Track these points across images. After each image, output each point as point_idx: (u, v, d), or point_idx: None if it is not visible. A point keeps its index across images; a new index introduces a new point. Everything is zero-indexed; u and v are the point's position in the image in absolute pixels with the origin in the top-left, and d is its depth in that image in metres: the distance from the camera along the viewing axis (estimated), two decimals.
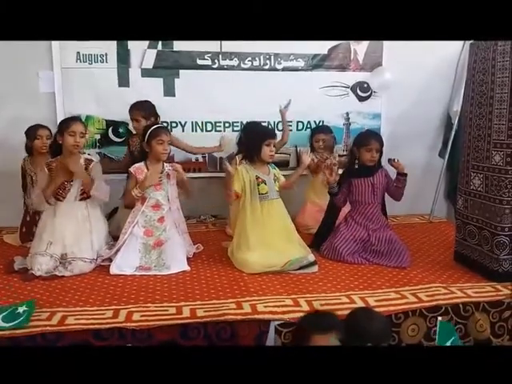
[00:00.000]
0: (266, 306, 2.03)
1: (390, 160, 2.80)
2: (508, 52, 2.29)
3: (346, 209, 2.92)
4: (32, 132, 3.08)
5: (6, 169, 3.33)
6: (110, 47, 3.48)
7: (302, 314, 1.92)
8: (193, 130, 3.71)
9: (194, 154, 3.61)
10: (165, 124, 3.56)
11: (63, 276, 2.42)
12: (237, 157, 3.35)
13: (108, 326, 1.86)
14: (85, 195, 2.66)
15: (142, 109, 3.10)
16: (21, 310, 1.93)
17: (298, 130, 3.85)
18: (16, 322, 1.85)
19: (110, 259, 2.59)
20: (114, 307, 2.05)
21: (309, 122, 3.86)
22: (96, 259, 2.58)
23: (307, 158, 2.82)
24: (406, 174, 2.78)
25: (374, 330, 1.55)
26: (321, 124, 3.79)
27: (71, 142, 2.59)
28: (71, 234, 2.57)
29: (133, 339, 1.81)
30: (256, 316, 1.95)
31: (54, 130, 3.21)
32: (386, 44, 3.82)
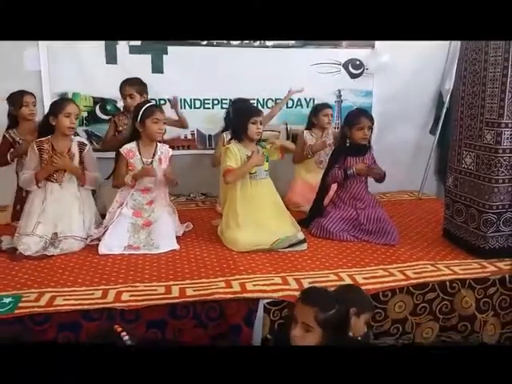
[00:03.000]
0: (255, 285, 2.04)
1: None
2: None
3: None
4: (17, 98, 2.93)
5: None
6: None
7: (290, 293, 1.96)
8: (181, 107, 3.62)
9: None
10: (153, 101, 3.52)
11: (52, 255, 2.40)
12: (224, 133, 3.33)
13: (97, 306, 1.86)
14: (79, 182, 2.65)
15: (136, 84, 3.05)
16: (6, 300, 1.89)
17: (288, 107, 3.82)
18: (1, 310, 1.83)
19: (98, 239, 2.57)
20: (102, 287, 2.04)
21: (299, 100, 3.83)
22: (86, 238, 2.57)
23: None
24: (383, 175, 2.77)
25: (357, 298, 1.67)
26: (313, 102, 3.76)
27: (67, 123, 2.54)
28: (62, 213, 2.55)
29: (121, 319, 1.81)
30: (245, 295, 1.96)
31: (39, 108, 3.18)
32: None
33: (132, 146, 2.63)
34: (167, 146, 2.78)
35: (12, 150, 2.96)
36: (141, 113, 2.57)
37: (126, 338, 1.40)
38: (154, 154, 2.65)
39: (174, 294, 1.97)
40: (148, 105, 2.62)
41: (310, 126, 3.48)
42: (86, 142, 2.81)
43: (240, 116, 2.73)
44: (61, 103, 2.62)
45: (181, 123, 3.32)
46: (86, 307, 1.85)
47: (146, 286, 2.05)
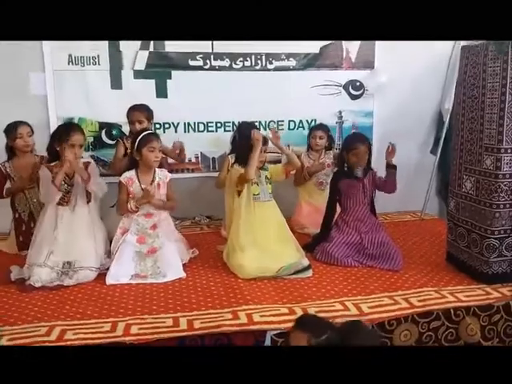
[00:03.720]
0: (261, 316, 2.07)
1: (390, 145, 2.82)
2: (499, 57, 2.31)
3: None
4: (12, 130, 2.95)
5: None
6: (102, 49, 3.45)
7: None
8: (185, 131, 3.71)
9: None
10: (158, 125, 3.58)
11: (62, 286, 2.43)
12: (229, 156, 3.37)
13: (107, 340, 1.89)
14: (87, 199, 2.67)
15: (145, 110, 3.12)
16: None
17: (289, 129, 3.87)
18: None
19: (106, 267, 2.60)
20: (111, 319, 2.07)
21: (301, 121, 3.87)
22: (99, 268, 2.59)
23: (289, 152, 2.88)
24: (394, 167, 2.79)
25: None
26: (315, 123, 3.81)
27: (70, 156, 2.54)
28: (74, 241, 2.57)
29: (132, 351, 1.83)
30: (252, 327, 1.98)
31: (45, 133, 3.22)
32: (378, 42, 3.82)
33: (131, 173, 2.68)
34: (166, 170, 2.82)
35: (7, 185, 2.97)
36: (137, 142, 2.62)
37: None
38: (152, 180, 2.69)
39: (182, 327, 1.99)
40: (144, 134, 2.66)
41: (308, 147, 3.53)
42: (90, 159, 2.85)
43: (246, 142, 2.77)
44: (65, 132, 2.62)
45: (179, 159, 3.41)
46: (96, 341, 1.88)
47: (154, 319, 2.08)
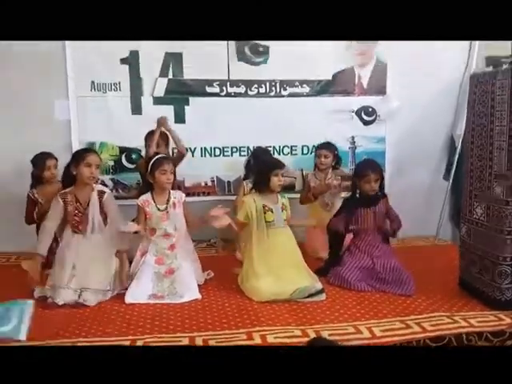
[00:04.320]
0: (275, 337, 2.12)
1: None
2: (507, 86, 2.37)
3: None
4: (40, 161, 3.14)
5: (22, 194, 3.44)
6: (123, 76, 3.61)
7: None
8: (202, 155, 3.84)
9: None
10: (175, 150, 3.70)
11: (83, 304, 2.51)
12: (244, 182, 3.46)
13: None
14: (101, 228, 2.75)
15: (163, 135, 3.23)
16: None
17: (303, 154, 3.97)
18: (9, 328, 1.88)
19: (125, 287, 2.68)
20: (130, 337, 2.15)
21: (314, 147, 3.95)
22: (113, 290, 2.66)
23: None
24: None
25: None
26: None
27: (87, 173, 2.68)
28: (88, 267, 2.65)
29: None
30: None
31: (68, 157, 3.37)
32: (390, 68, 3.93)
33: (147, 196, 2.79)
34: (180, 191, 2.94)
35: (36, 209, 3.12)
36: (150, 166, 2.74)
37: None
38: (167, 201, 2.79)
39: (197, 346, 2.05)
40: (156, 157, 2.79)
41: (314, 167, 3.58)
42: (106, 189, 2.90)
43: (263, 168, 2.86)
44: (82, 153, 2.75)
45: (179, 152, 3.39)
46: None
47: (171, 337, 2.14)
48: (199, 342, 2.09)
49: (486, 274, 2.53)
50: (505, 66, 2.42)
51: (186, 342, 2.10)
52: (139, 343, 2.08)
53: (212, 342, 2.07)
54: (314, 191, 3.40)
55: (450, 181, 3.89)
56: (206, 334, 2.18)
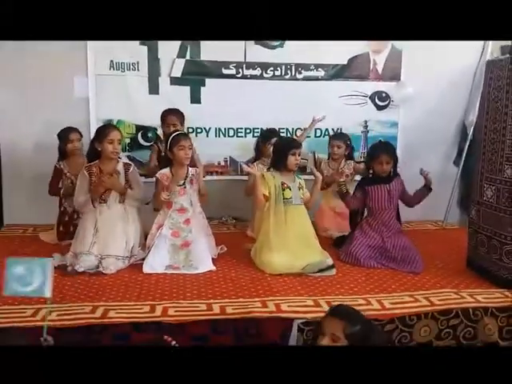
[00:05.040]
0: (289, 306, 2.21)
1: (422, 170, 2.95)
2: None
3: None
4: (64, 135, 3.28)
5: (41, 169, 3.54)
6: (141, 56, 3.68)
7: (322, 314, 2.11)
8: (216, 136, 3.91)
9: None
10: (191, 129, 3.77)
11: (101, 272, 2.61)
12: (254, 163, 3.52)
13: (147, 319, 2.05)
14: (120, 199, 2.87)
15: (179, 114, 3.30)
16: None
17: (316, 136, 4.02)
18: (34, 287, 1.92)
19: (142, 259, 2.78)
20: (149, 303, 2.24)
21: (327, 130, 4.02)
22: (130, 257, 2.78)
23: (319, 175, 2.98)
24: (431, 189, 2.95)
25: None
26: (339, 131, 3.95)
27: (110, 149, 2.79)
28: (109, 234, 2.77)
29: (168, 333, 1.98)
30: (281, 314, 2.12)
31: (85, 133, 3.46)
32: (405, 55, 3.96)
33: (166, 170, 2.87)
34: (196, 168, 3.01)
35: (61, 182, 3.27)
36: (169, 142, 2.82)
37: (176, 345, 1.60)
38: (186, 177, 2.87)
39: (215, 311, 2.14)
40: (174, 134, 2.86)
41: (328, 156, 3.65)
42: (131, 162, 3.03)
43: (281, 147, 2.92)
44: (104, 130, 2.86)
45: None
46: (136, 320, 2.04)
47: (189, 303, 2.24)
48: (216, 308, 2.18)
49: (493, 253, 2.60)
50: None
51: (203, 308, 2.19)
52: (158, 309, 2.17)
53: (229, 309, 2.16)
54: (327, 179, 3.48)
55: (460, 167, 3.94)
56: (222, 301, 2.27)
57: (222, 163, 3.96)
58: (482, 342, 2.26)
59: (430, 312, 2.21)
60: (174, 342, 1.63)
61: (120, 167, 2.89)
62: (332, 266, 2.72)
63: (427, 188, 2.96)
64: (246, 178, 3.72)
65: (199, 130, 3.85)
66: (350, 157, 3.65)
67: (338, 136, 3.67)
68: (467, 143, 3.89)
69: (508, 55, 2.61)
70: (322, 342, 1.61)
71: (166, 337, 1.67)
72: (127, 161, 3.03)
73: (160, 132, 3.60)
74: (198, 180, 2.92)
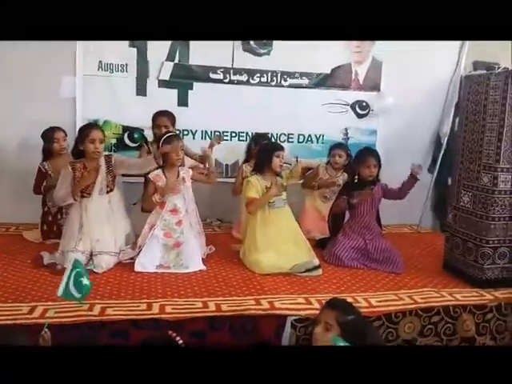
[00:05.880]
0: (282, 303, 2.30)
1: (413, 165, 3.08)
2: (499, 87, 2.61)
3: None
4: (49, 135, 3.25)
5: (25, 168, 3.49)
6: (130, 58, 3.70)
7: (314, 312, 2.21)
8: (202, 138, 3.96)
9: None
10: (177, 131, 3.81)
11: (92, 270, 2.62)
12: (243, 165, 3.62)
13: (145, 317, 2.09)
14: (108, 189, 2.88)
15: (171, 116, 3.35)
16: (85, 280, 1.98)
17: (298, 142, 4.15)
18: (82, 294, 1.97)
19: (132, 258, 2.80)
20: (145, 300, 2.28)
21: (309, 136, 4.15)
22: (119, 253, 2.80)
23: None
24: (417, 179, 3.08)
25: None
26: (322, 138, 4.09)
27: (92, 148, 2.79)
28: (97, 230, 2.78)
29: (167, 329, 2.03)
30: (275, 311, 2.21)
31: (71, 133, 3.45)
32: (385, 67, 4.15)
33: (158, 171, 2.91)
34: (187, 167, 3.09)
35: (45, 181, 3.23)
36: (161, 143, 2.86)
37: (181, 341, 1.66)
38: (177, 176, 2.93)
39: (211, 309, 2.21)
40: (167, 135, 2.91)
41: (327, 163, 3.77)
42: (111, 153, 3.06)
43: (265, 149, 3.02)
44: (85, 130, 2.86)
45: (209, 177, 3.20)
46: (134, 317, 2.08)
47: (184, 301, 2.29)
48: (212, 305, 2.24)
49: (468, 255, 2.77)
50: (498, 70, 2.67)
51: (199, 305, 2.25)
52: (155, 306, 2.21)
53: (224, 306, 2.23)
54: (320, 182, 3.62)
55: (435, 174, 4.14)
56: (217, 299, 2.34)
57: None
58: (461, 338, 2.41)
59: (413, 310, 2.35)
60: (178, 338, 1.68)
61: (102, 161, 2.88)
62: (318, 266, 2.83)
63: (413, 177, 3.07)
64: (231, 180, 3.81)
65: (186, 133, 3.89)
66: (346, 169, 3.70)
67: (339, 146, 3.78)
68: (441, 152, 4.11)
69: (485, 71, 2.81)
70: (316, 329, 1.74)
71: (170, 332, 1.73)
72: (107, 153, 3.02)
73: (147, 133, 3.63)
74: (189, 178, 2.98)
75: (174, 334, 1.70)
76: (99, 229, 2.80)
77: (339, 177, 3.66)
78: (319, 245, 3.25)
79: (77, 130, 3.47)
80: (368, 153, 3.10)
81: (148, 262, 2.73)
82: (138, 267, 2.70)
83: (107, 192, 2.88)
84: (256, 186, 2.93)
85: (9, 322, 2.00)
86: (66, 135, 3.31)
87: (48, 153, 3.28)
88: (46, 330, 1.80)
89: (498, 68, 2.89)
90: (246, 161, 3.65)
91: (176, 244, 2.83)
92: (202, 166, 3.46)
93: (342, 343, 1.62)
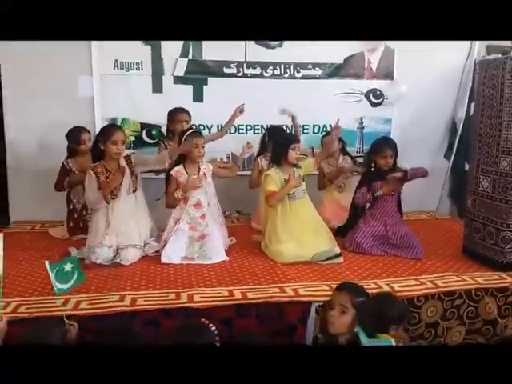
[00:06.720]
0: (306, 290, 2.35)
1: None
2: None
3: None
4: (75, 135, 3.31)
5: (46, 167, 3.58)
6: (145, 56, 3.76)
7: None
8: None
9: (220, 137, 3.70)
10: (193, 127, 3.86)
11: (120, 264, 2.71)
12: (258, 158, 3.66)
13: (175, 305, 2.16)
14: (133, 188, 2.94)
15: (187, 112, 3.42)
16: (67, 267, 2.11)
17: (314, 132, 4.18)
18: (72, 281, 2.11)
19: (157, 251, 2.89)
20: (173, 290, 2.35)
21: (324, 126, 4.18)
22: (144, 246, 2.88)
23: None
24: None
25: (395, 313, 1.91)
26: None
27: (114, 150, 2.84)
28: (123, 225, 2.86)
29: (197, 317, 2.09)
30: (300, 298, 2.26)
31: (92, 132, 3.52)
32: (398, 54, 4.15)
33: (180, 167, 2.97)
34: (208, 163, 3.13)
35: (67, 178, 3.32)
36: (183, 139, 2.92)
37: (213, 328, 1.72)
38: (198, 172, 2.98)
39: (237, 297, 2.27)
40: (189, 132, 2.96)
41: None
42: (129, 152, 3.08)
43: (281, 142, 3.06)
44: (108, 131, 2.89)
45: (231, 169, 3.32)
46: (165, 306, 2.15)
47: (211, 290, 2.36)
48: (238, 294, 2.31)
49: (489, 239, 2.79)
50: None
51: (226, 294, 2.31)
52: (183, 296, 2.28)
53: (250, 294, 2.29)
54: (329, 176, 3.65)
55: (451, 160, 4.14)
56: (242, 287, 2.40)
57: (225, 159, 4.07)
58: (483, 321, 2.44)
59: (436, 294, 2.38)
60: (211, 325, 1.74)
61: (122, 162, 2.91)
62: (339, 254, 2.87)
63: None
64: (248, 173, 3.85)
65: (201, 128, 3.94)
66: (344, 151, 3.79)
67: (327, 133, 3.79)
68: (457, 138, 4.10)
69: (500, 55, 2.81)
70: (331, 312, 1.78)
71: (203, 320, 1.79)
72: (126, 153, 3.03)
73: (164, 130, 3.70)
74: (210, 173, 3.04)
75: (207, 322, 1.77)
76: (125, 224, 2.88)
77: (341, 163, 3.68)
78: (339, 232, 3.28)
79: (96, 128, 3.60)
80: (384, 143, 3.12)
81: (174, 253, 2.81)
82: (164, 259, 2.77)
83: (133, 191, 2.95)
84: (275, 179, 2.97)
85: (45, 314, 2.08)
86: (90, 135, 3.37)
87: (72, 152, 3.36)
88: (73, 322, 1.87)
89: None
90: (260, 153, 3.69)
91: (201, 236, 2.90)
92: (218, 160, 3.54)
93: (365, 340, 1.70)
